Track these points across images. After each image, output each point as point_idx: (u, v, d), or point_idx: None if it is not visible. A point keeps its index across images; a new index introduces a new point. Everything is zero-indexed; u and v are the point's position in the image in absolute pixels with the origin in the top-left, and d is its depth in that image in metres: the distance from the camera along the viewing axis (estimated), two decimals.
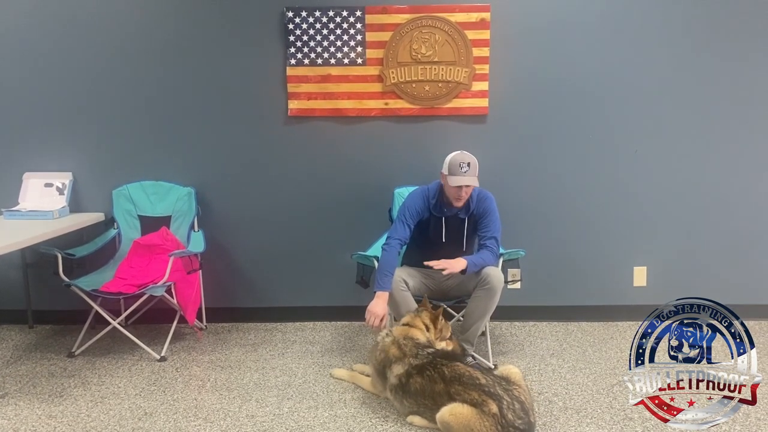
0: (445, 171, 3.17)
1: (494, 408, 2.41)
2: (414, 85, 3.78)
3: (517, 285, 3.87)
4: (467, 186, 3.15)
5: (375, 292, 3.11)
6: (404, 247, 3.36)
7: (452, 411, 2.43)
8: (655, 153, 3.87)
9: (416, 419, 2.68)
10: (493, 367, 3.26)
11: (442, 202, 3.27)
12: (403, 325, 2.98)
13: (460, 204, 3.22)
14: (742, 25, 3.74)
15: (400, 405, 2.76)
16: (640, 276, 3.99)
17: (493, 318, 3.37)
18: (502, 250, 3.35)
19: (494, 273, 3.14)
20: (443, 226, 3.30)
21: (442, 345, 2.91)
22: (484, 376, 2.57)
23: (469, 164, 3.11)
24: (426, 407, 2.60)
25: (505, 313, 3.83)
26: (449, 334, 3.02)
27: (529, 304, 4.01)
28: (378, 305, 3.07)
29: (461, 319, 3.34)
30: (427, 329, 2.95)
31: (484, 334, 3.41)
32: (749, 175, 3.90)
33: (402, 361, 2.77)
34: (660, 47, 3.77)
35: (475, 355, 3.31)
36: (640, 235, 3.96)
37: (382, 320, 3.06)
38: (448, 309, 3.46)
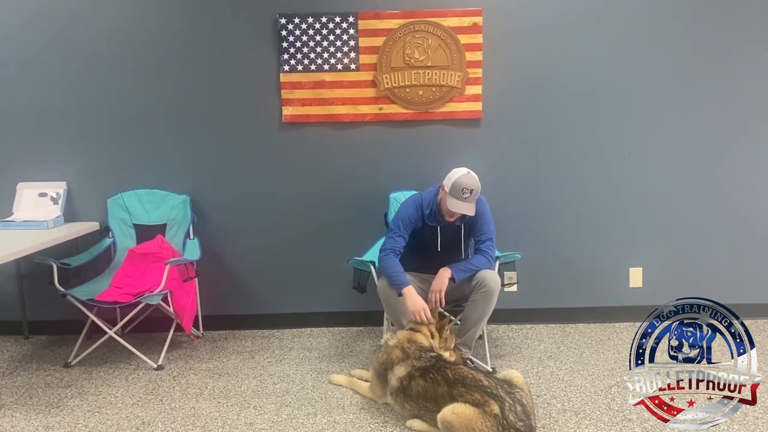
0: (446, 188, 3.12)
1: (496, 409, 2.41)
2: (408, 90, 3.79)
3: (514, 288, 3.86)
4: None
5: (400, 295, 3.09)
6: None
7: (454, 410, 2.43)
8: (649, 154, 3.90)
9: (416, 423, 2.67)
10: (491, 370, 3.26)
11: (438, 212, 3.24)
12: (409, 329, 2.99)
13: (451, 219, 3.22)
14: (737, 27, 3.77)
15: (401, 408, 2.75)
16: (635, 277, 4.00)
17: (491, 321, 3.38)
18: (498, 253, 3.35)
19: (491, 276, 3.15)
20: (438, 235, 3.29)
21: (445, 355, 2.91)
22: (486, 379, 2.57)
23: (471, 191, 3.06)
24: (428, 410, 2.60)
25: (502, 316, 3.83)
26: (453, 345, 3.03)
27: (526, 307, 4.02)
28: (413, 301, 3.04)
29: (458, 323, 3.34)
30: (432, 336, 2.95)
31: (481, 337, 3.41)
32: (743, 175, 3.92)
33: (404, 362, 2.77)
34: (653, 49, 3.80)
35: (473, 358, 3.31)
36: (636, 236, 3.98)
37: (426, 310, 3.02)
38: (445, 312, 3.45)
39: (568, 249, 3.98)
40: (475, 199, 3.13)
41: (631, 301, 3.98)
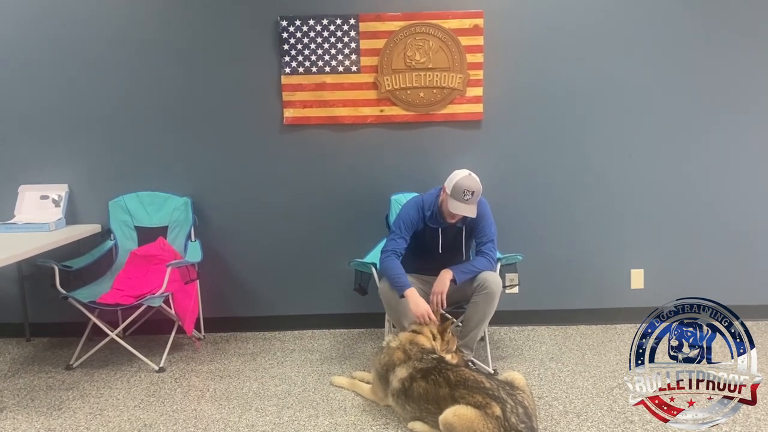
0: (447, 190, 3.12)
1: (498, 411, 2.41)
2: (409, 92, 3.79)
3: (515, 290, 3.87)
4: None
5: (402, 297, 3.08)
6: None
7: (456, 412, 2.43)
8: (649, 156, 3.89)
9: (417, 425, 2.67)
10: (492, 372, 3.26)
11: (439, 214, 3.24)
12: (411, 331, 2.99)
13: (452, 221, 3.22)
14: (736, 28, 3.77)
15: (402, 410, 2.75)
16: (637, 278, 4.00)
17: (492, 323, 3.37)
18: (499, 255, 3.35)
19: (492, 278, 3.15)
20: (439, 237, 3.29)
21: (447, 357, 2.90)
22: (488, 380, 2.57)
23: (473, 193, 3.06)
24: (429, 412, 2.60)
25: (503, 318, 3.83)
26: (455, 347, 3.03)
27: (528, 309, 4.02)
28: (417, 304, 3.03)
29: (460, 324, 3.34)
30: (434, 339, 2.95)
31: (483, 339, 3.40)
32: (744, 176, 3.92)
33: (406, 364, 2.77)
34: (654, 50, 3.80)
35: (475, 360, 3.31)
36: (637, 238, 3.97)
37: (430, 313, 3.02)
38: (447, 315, 3.46)
39: (569, 250, 3.98)
40: (477, 201, 3.13)
41: (632, 302, 3.98)
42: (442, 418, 2.46)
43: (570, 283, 4.02)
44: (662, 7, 3.76)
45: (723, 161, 3.90)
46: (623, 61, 3.81)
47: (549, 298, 4.03)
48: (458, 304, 3.30)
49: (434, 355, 2.81)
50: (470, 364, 3.15)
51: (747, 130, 3.88)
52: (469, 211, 3.10)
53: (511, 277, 3.60)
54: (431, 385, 2.63)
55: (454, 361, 2.90)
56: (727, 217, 3.95)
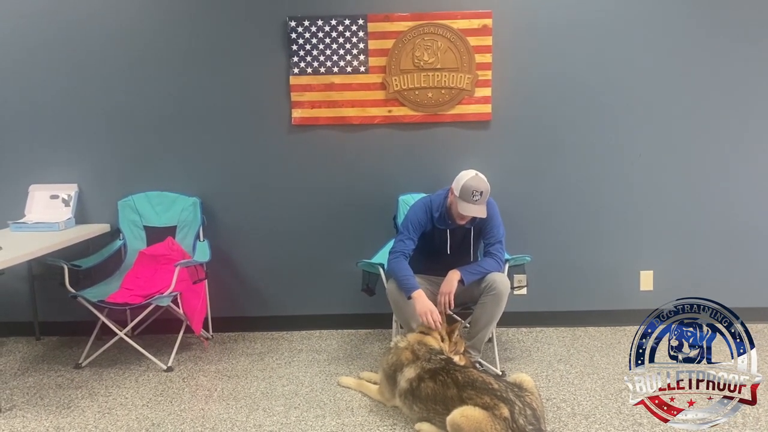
0: (455, 192, 3.10)
1: (506, 412, 2.40)
2: (417, 92, 3.78)
3: (524, 291, 3.86)
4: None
5: (409, 298, 3.07)
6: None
7: (463, 413, 2.42)
8: (659, 156, 3.87)
9: (425, 426, 2.66)
10: (500, 373, 3.25)
11: (448, 215, 3.23)
12: (419, 332, 2.99)
13: (462, 222, 3.21)
14: (745, 28, 3.74)
15: (409, 411, 2.75)
16: (646, 280, 3.97)
17: (500, 324, 3.36)
18: (507, 256, 3.34)
19: (500, 279, 3.14)
20: (448, 238, 3.28)
21: (455, 359, 2.90)
22: (497, 382, 2.57)
23: (481, 193, 3.05)
24: (437, 413, 2.59)
25: (511, 319, 3.82)
26: (463, 349, 3.03)
27: (536, 310, 4.00)
28: (422, 304, 3.02)
29: (467, 325, 3.33)
30: (442, 340, 2.95)
31: (491, 340, 3.40)
32: (754, 177, 3.89)
33: (414, 364, 2.77)
34: (662, 52, 3.78)
35: (482, 361, 3.30)
36: (646, 239, 3.95)
37: (434, 312, 3.01)
38: (455, 316, 3.45)
39: (578, 252, 3.96)
40: (486, 201, 3.12)
41: (641, 304, 3.94)
42: (449, 418, 2.45)
43: (579, 285, 4.00)
44: (672, 8, 3.74)
45: (735, 162, 3.87)
46: (633, 62, 3.78)
47: (557, 300, 4.01)
48: (466, 305, 3.29)
49: (442, 356, 2.81)
50: (478, 365, 3.14)
51: (756, 132, 3.84)
52: (479, 211, 3.09)
53: (519, 278, 3.59)
54: (439, 385, 2.63)
55: (462, 363, 2.89)
56: (736, 219, 3.92)
